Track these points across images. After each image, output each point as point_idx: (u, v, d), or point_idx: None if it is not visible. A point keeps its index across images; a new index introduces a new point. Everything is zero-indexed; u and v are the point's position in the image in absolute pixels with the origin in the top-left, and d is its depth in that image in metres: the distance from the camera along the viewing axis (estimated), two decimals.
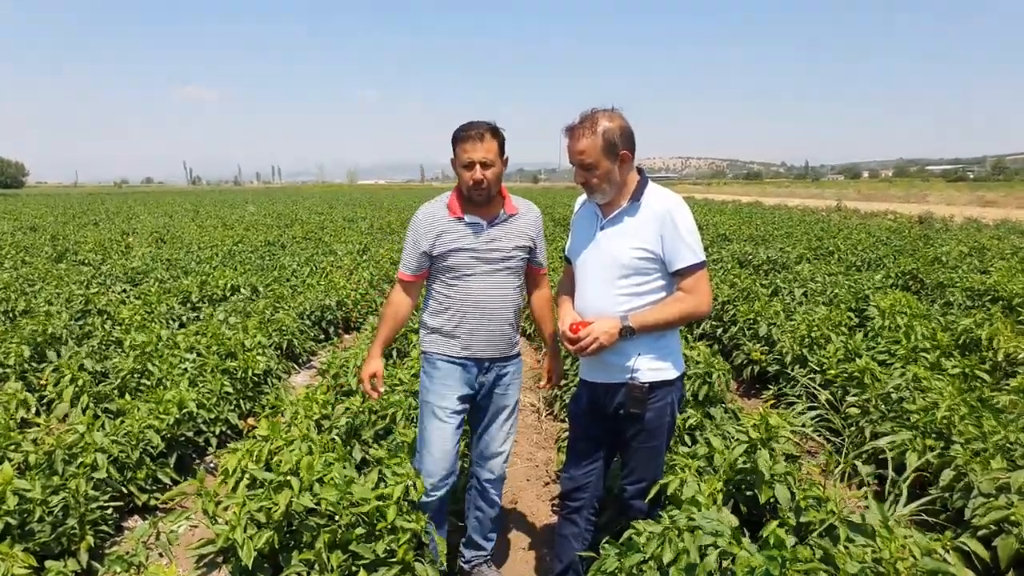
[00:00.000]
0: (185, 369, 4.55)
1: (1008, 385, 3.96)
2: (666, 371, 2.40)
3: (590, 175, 2.31)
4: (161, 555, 2.72)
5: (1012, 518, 2.74)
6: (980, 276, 7.52)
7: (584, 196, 2.56)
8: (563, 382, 4.89)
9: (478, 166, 2.50)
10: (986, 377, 4.31)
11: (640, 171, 2.41)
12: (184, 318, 7.09)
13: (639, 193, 2.36)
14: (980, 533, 2.82)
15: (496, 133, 2.54)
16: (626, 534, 2.35)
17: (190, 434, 3.97)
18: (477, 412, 2.82)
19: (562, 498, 2.74)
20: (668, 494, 2.77)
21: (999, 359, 4.73)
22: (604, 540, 2.43)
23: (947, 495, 3.17)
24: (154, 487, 3.61)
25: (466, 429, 2.91)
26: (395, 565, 2.40)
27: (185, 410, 3.91)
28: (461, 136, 2.51)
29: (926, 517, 3.15)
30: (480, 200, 2.58)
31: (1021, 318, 5.67)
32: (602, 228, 2.41)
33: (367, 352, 2.79)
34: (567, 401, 4.70)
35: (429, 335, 2.73)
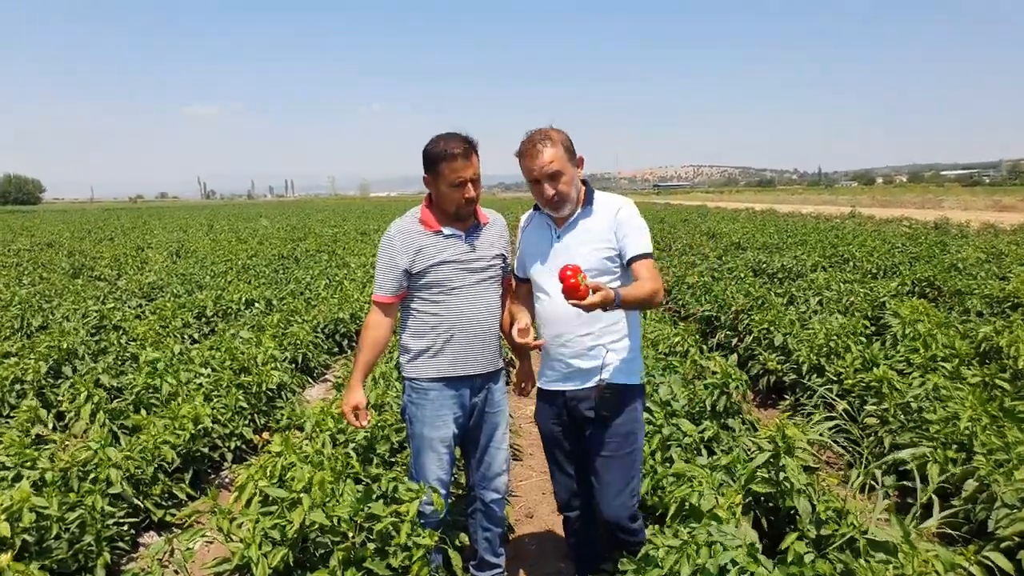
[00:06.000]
0: (200, 384, 4.56)
1: None
2: (633, 375, 2.46)
3: (557, 183, 2.35)
4: (176, 572, 2.72)
5: None
6: (999, 283, 7.42)
7: (527, 214, 2.64)
8: None
9: (470, 184, 2.47)
10: (1007, 386, 4.24)
11: (584, 181, 2.50)
12: (199, 332, 7.13)
13: (589, 199, 2.46)
14: (1004, 545, 2.76)
15: (477, 147, 2.51)
16: (644, 549, 2.33)
17: (205, 449, 3.98)
18: (472, 436, 2.73)
19: (560, 511, 2.77)
20: (686, 507, 2.75)
21: (1020, 367, 4.65)
22: (620, 555, 2.42)
23: (969, 507, 3.11)
24: (170, 503, 3.62)
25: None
26: None
27: (200, 425, 3.92)
28: (447, 155, 2.44)
29: (948, 530, 3.09)
30: (468, 215, 2.56)
31: None
32: (559, 238, 2.46)
33: (347, 382, 2.66)
34: None
35: (413, 359, 2.61)
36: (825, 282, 7.74)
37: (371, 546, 2.43)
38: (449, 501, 2.75)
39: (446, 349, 2.57)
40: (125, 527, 3.21)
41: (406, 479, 2.65)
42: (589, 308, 2.08)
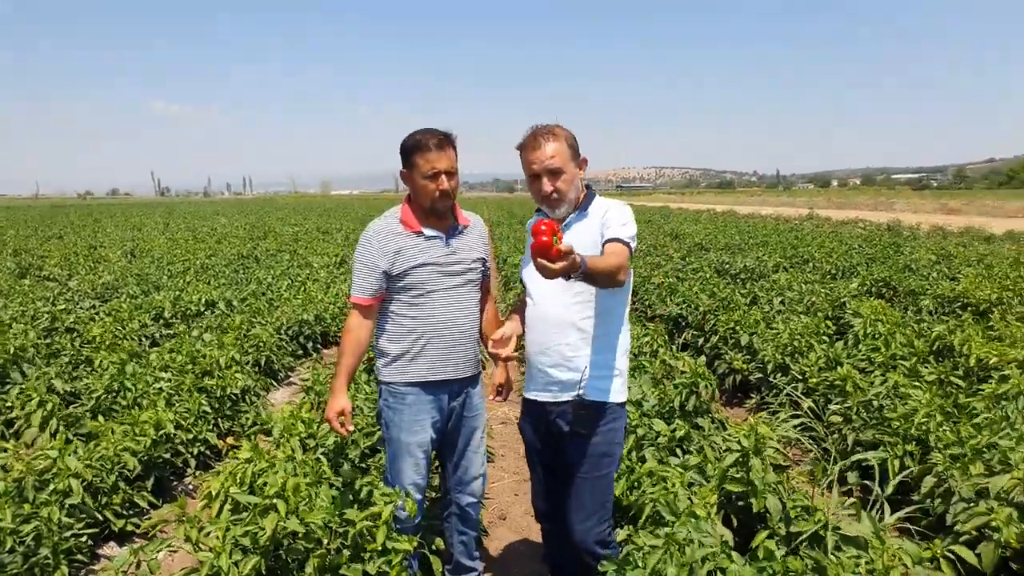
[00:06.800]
0: (161, 388, 4.43)
1: (982, 390, 4.02)
2: (615, 393, 2.36)
3: (557, 180, 2.29)
4: None
5: (993, 523, 2.77)
6: (949, 283, 7.66)
7: (533, 219, 2.55)
8: None
9: (444, 176, 2.43)
10: (960, 383, 4.38)
11: (588, 186, 2.44)
12: (157, 335, 6.93)
13: (587, 204, 2.39)
14: (963, 539, 2.84)
15: (454, 141, 2.48)
16: (625, 549, 2.33)
17: (168, 456, 3.87)
18: (450, 440, 2.70)
19: (538, 519, 2.73)
20: (661, 508, 2.76)
21: (971, 364, 4.80)
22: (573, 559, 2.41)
23: (928, 502, 3.19)
24: (131, 512, 3.51)
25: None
26: None
27: (162, 431, 3.81)
28: (421, 145, 2.42)
29: (908, 525, 3.16)
30: (444, 211, 2.51)
31: (991, 324, 5.77)
32: None
33: (331, 387, 2.61)
34: None
35: (391, 363, 2.56)
36: (787, 283, 7.89)
37: (346, 552, 2.39)
38: (424, 505, 2.71)
39: (424, 353, 2.53)
40: (84, 538, 3.09)
41: (381, 484, 2.60)
42: (552, 275, 1.85)
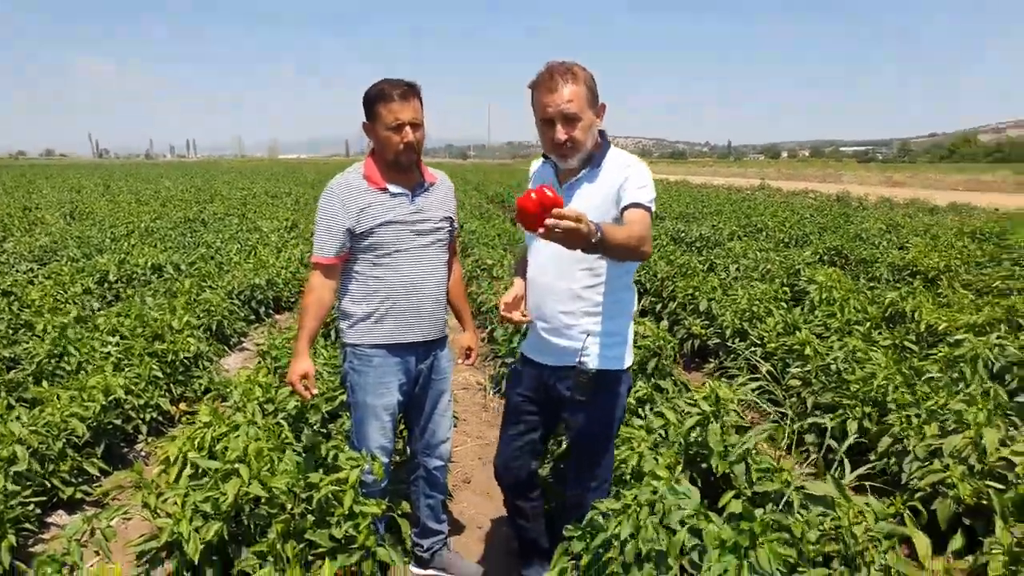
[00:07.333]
0: (109, 353, 4.25)
1: (935, 354, 4.15)
2: (615, 360, 2.25)
3: (573, 128, 2.06)
4: (97, 553, 2.53)
5: (947, 481, 2.87)
6: (899, 252, 7.88)
7: (536, 164, 2.39)
8: (509, 360, 4.86)
9: (408, 127, 2.31)
10: (914, 348, 4.51)
11: (602, 134, 2.21)
12: (102, 300, 6.66)
13: (600, 158, 2.16)
14: (918, 495, 2.94)
15: (419, 92, 2.36)
16: (590, 514, 2.30)
17: (118, 422, 3.72)
18: (417, 403, 2.64)
19: (498, 481, 2.61)
20: (629, 469, 2.77)
21: (922, 330, 4.96)
22: (567, 524, 2.38)
23: (885, 461, 3.29)
24: (80, 479, 3.37)
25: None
26: (356, 551, 2.29)
27: (112, 396, 3.66)
28: (385, 95, 2.28)
29: (864, 483, 3.26)
30: (408, 165, 2.40)
31: (939, 291, 5.96)
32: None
33: (294, 349, 2.51)
34: None
35: (355, 325, 2.47)
36: (742, 250, 8.00)
37: (311, 517, 2.33)
38: (391, 469, 2.66)
39: (390, 315, 2.45)
40: (31, 507, 2.96)
41: (346, 448, 2.54)
42: (562, 231, 1.59)
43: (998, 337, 4.07)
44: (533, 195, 1.61)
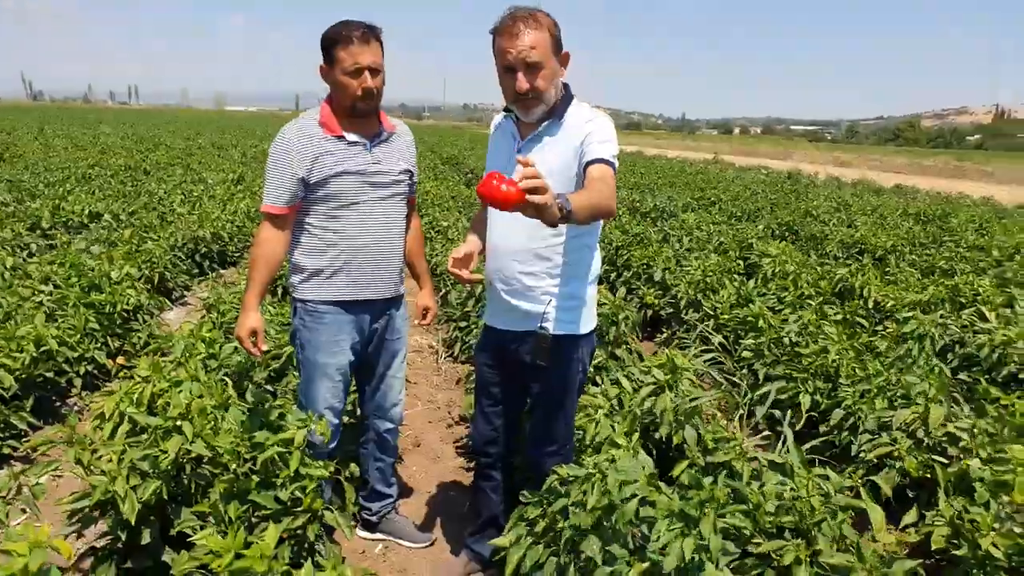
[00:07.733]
0: (40, 302, 4.02)
1: (884, 330, 4.24)
2: (576, 324, 2.20)
3: (536, 76, 1.97)
4: (25, 511, 2.39)
5: (895, 454, 2.94)
6: (848, 230, 8.05)
7: (499, 118, 2.29)
8: (463, 324, 4.79)
9: (367, 72, 2.18)
10: (864, 323, 4.61)
11: (566, 86, 2.13)
12: (34, 246, 6.31)
13: (562, 111, 2.08)
14: (864, 468, 3.00)
15: (380, 35, 2.22)
16: (548, 481, 2.27)
17: (50, 375, 3.53)
18: (369, 362, 2.55)
19: (474, 453, 2.58)
20: (585, 437, 2.75)
21: (870, 306, 5.07)
22: (523, 490, 2.34)
23: (836, 433, 3.35)
24: (7, 434, 3.19)
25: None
26: (301, 514, 2.22)
27: (43, 348, 3.46)
28: (343, 37, 2.15)
29: (814, 456, 3.32)
30: (367, 111, 2.27)
31: (887, 269, 6.10)
32: (519, 151, 2.11)
33: (242, 303, 2.37)
34: (468, 342, 4.60)
35: (307, 280, 2.36)
36: (696, 223, 8.04)
37: (255, 478, 2.24)
38: (340, 430, 2.58)
39: (344, 270, 2.34)
40: None
41: (293, 407, 2.44)
42: (534, 200, 1.51)
43: (942, 316, 4.18)
44: (494, 181, 1.53)
